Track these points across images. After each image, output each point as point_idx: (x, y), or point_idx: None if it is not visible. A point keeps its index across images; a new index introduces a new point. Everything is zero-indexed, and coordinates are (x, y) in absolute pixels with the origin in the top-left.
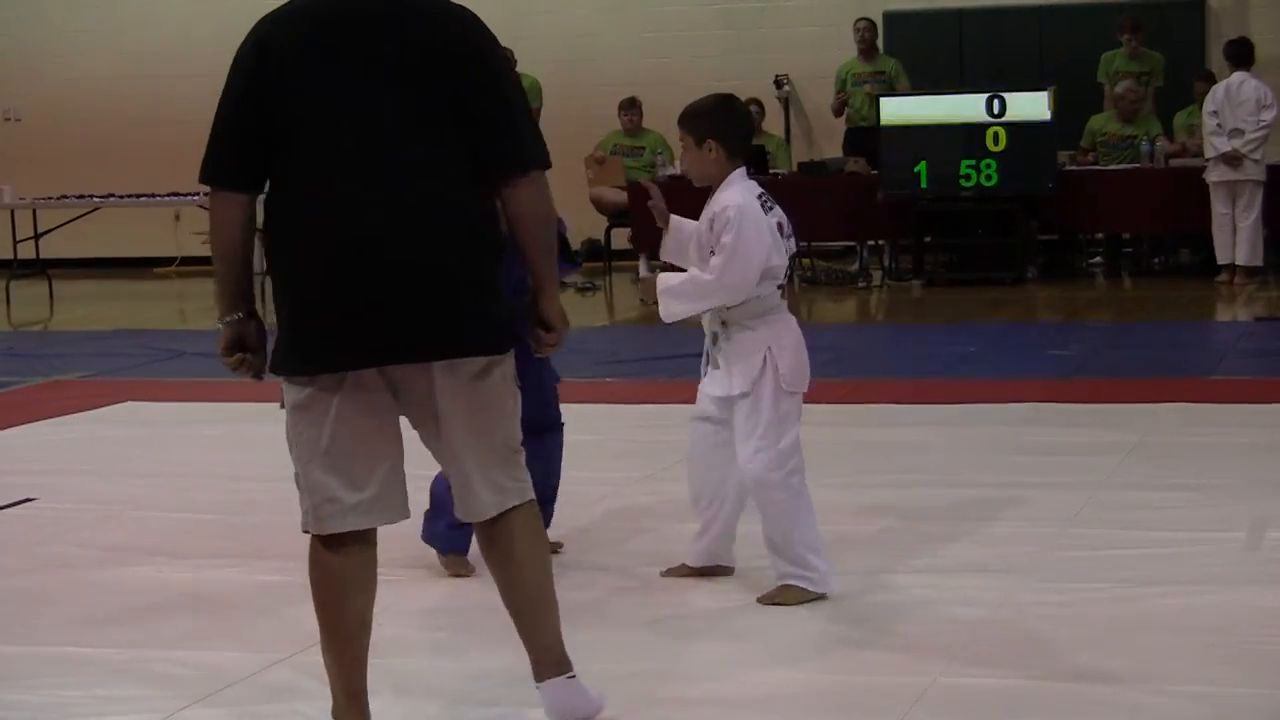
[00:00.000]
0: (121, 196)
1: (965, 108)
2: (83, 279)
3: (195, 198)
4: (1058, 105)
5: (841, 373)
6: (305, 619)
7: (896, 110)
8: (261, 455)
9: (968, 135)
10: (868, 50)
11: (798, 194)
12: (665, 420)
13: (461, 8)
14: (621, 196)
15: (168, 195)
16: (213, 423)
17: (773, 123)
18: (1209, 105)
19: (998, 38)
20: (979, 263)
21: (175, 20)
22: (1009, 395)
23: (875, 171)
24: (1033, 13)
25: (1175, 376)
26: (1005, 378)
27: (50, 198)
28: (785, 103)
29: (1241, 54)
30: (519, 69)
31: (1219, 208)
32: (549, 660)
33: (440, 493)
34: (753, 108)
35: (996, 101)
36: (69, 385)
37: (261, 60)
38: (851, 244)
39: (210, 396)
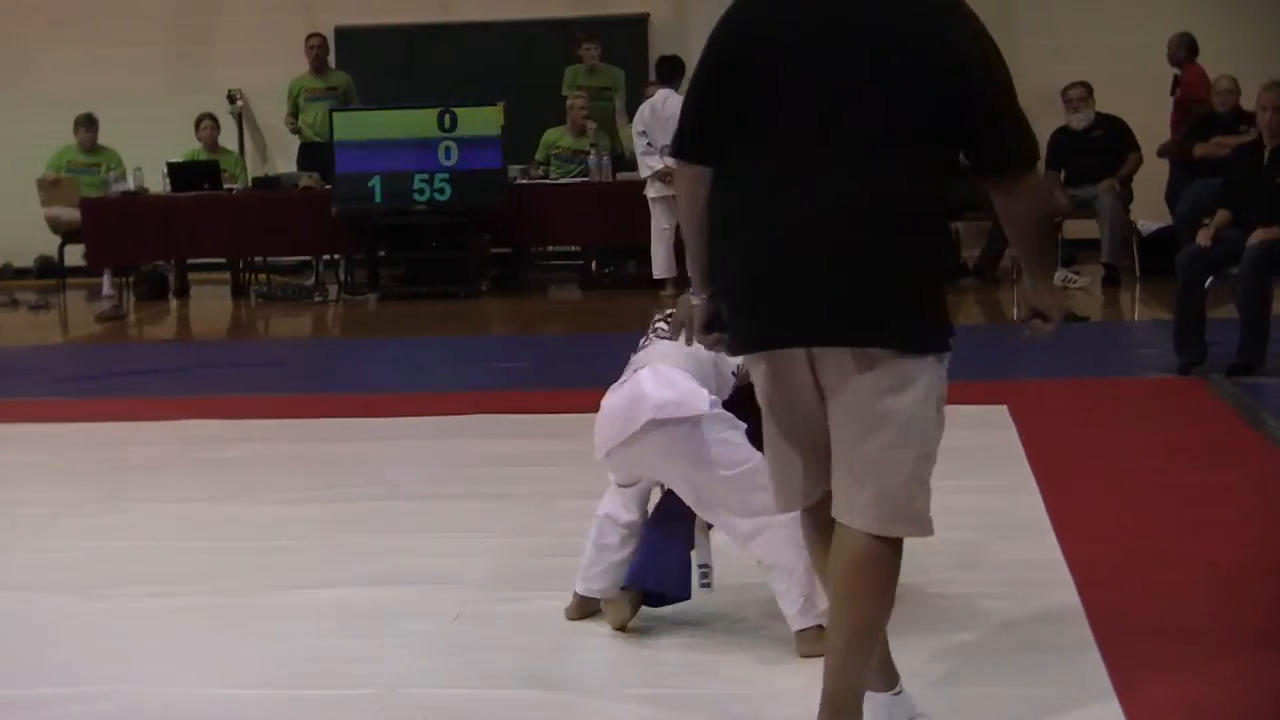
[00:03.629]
0: None
1: (417, 123)
2: None
3: None
4: (509, 119)
5: (294, 388)
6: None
7: (349, 125)
8: None
9: (420, 149)
10: (320, 66)
11: (252, 209)
12: (122, 438)
13: None
14: (75, 215)
15: None
16: None
17: (227, 138)
18: (637, 125)
19: (449, 53)
20: (433, 276)
21: None
22: (460, 407)
23: (329, 186)
24: (482, 29)
25: None
26: (457, 389)
27: None
28: (239, 118)
29: (667, 71)
30: None
31: (659, 223)
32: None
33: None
34: (206, 123)
35: (448, 116)
36: None
37: (727, 34)
38: (307, 259)
39: None
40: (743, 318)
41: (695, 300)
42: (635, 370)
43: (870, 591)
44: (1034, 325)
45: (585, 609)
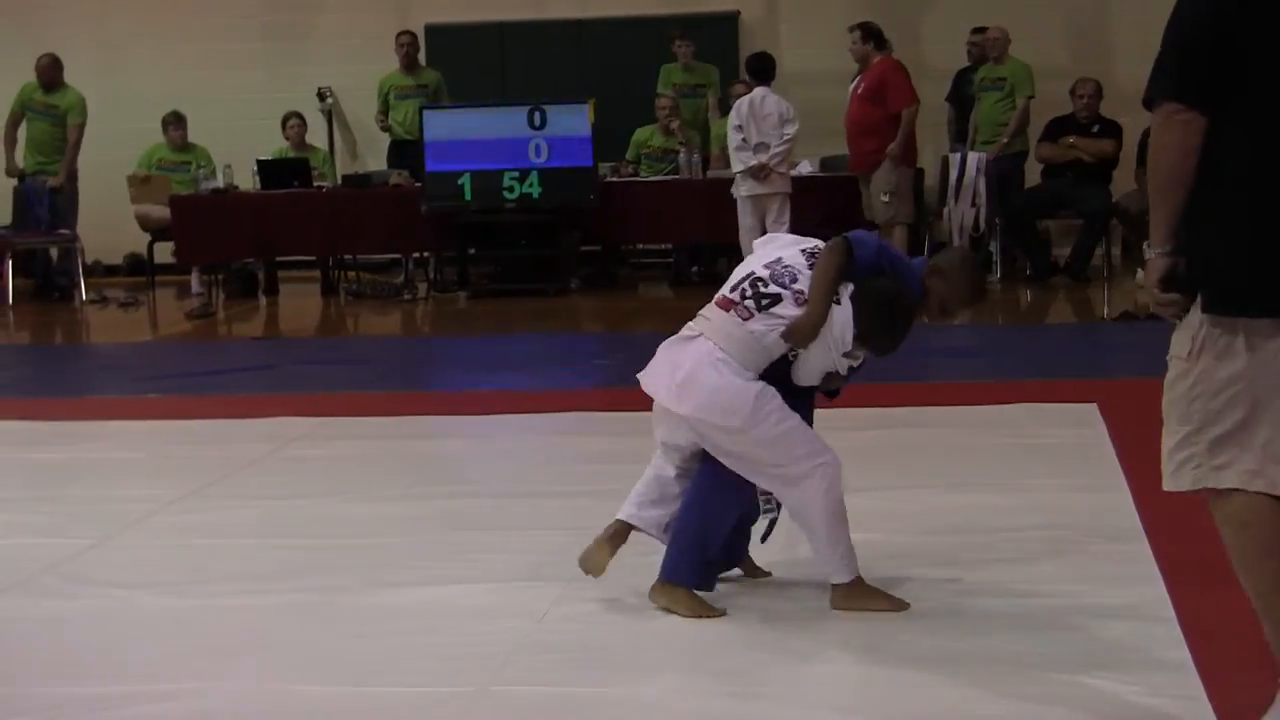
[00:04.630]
0: None
1: (508, 120)
2: None
3: None
4: (600, 118)
5: (384, 386)
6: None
7: (439, 123)
8: None
9: (511, 148)
10: (410, 63)
11: (342, 207)
12: (212, 435)
13: None
14: (165, 212)
15: None
16: None
17: (316, 135)
18: (734, 121)
19: (539, 51)
20: (523, 274)
21: None
22: (551, 405)
23: (419, 184)
24: (573, 26)
25: None
26: (547, 387)
27: None
28: (329, 115)
29: (762, 69)
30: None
31: (746, 221)
32: None
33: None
34: (293, 121)
35: (538, 114)
36: None
37: None
38: (396, 256)
39: None
40: None
41: (1154, 254)
42: (701, 332)
43: None
44: None
45: (614, 546)
